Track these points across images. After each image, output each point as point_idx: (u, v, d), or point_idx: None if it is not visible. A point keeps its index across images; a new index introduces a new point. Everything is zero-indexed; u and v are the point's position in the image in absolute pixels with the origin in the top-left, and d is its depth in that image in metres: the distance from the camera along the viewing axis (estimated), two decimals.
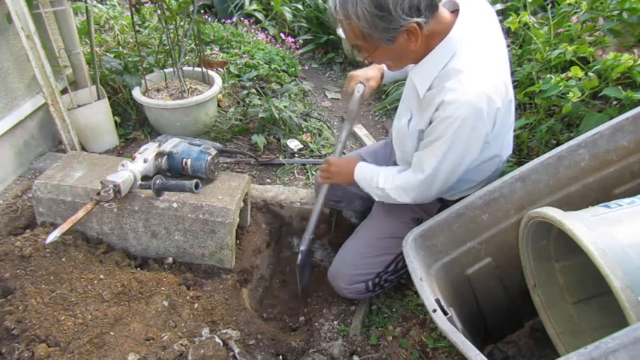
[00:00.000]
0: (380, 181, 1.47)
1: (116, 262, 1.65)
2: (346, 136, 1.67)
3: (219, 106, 2.71)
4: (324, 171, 1.65)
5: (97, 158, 1.91)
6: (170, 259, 1.75)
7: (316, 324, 1.67)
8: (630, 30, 1.79)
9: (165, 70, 2.62)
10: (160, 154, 1.74)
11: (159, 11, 2.36)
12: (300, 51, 3.83)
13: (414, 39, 1.17)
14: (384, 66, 1.68)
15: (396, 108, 1.75)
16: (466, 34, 1.21)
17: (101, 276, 1.55)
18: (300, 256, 1.72)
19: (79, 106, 2.30)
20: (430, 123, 1.26)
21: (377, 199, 1.54)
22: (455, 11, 1.24)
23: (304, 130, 2.65)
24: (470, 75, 1.17)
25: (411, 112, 1.41)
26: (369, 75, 1.66)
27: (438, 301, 1.13)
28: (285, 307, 1.94)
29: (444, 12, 1.21)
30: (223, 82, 2.77)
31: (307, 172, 2.35)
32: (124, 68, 2.56)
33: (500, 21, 1.39)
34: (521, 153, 1.95)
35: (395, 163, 1.62)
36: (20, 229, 1.79)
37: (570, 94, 1.57)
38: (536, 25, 2.06)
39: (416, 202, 1.44)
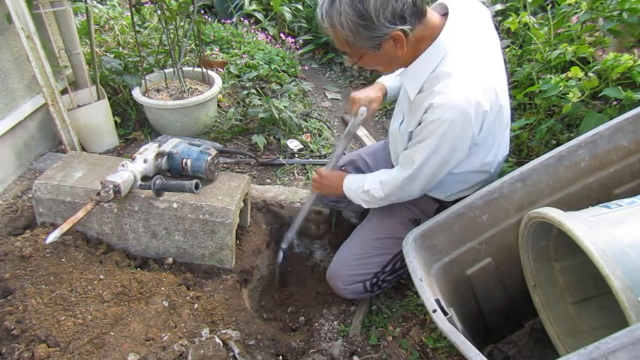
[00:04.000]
0: (366, 184, 1.50)
1: (116, 263, 1.65)
2: (341, 151, 1.69)
3: (219, 106, 2.71)
4: (316, 181, 1.68)
5: (97, 158, 1.90)
6: (170, 260, 1.75)
7: (316, 324, 1.67)
8: (630, 30, 1.79)
9: (165, 70, 2.62)
10: (159, 155, 1.74)
11: (159, 11, 2.36)
12: (300, 51, 3.83)
13: (400, 46, 1.18)
14: (386, 85, 1.69)
15: None
16: (456, 37, 1.21)
17: (101, 276, 1.55)
18: (281, 254, 1.83)
19: (79, 106, 2.31)
20: (419, 124, 1.27)
21: (365, 206, 1.55)
22: (445, 14, 1.24)
23: (304, 130, 2.65)
24: (458, 78, 1.17)
25: (403, 114, 1.42)
26: (371, 97, 1.65)
27: (438, 301, 1.13)
28: (285, 308, 1.94)
29: (432, 16, 1.21)
30: (223, 83, 2.77)
31: (307, 172, 2.35)
32: (124, 68, 2.56)
33: (500, 21, 1.39)
34: (521, 153, 1.95)
35: (393, 165, 1.63)
36: (20, 230, 1.79)
37: (570, 95, 1.57)
38: (536, 25, 2.05)
39: (398, 200, 1.46)
